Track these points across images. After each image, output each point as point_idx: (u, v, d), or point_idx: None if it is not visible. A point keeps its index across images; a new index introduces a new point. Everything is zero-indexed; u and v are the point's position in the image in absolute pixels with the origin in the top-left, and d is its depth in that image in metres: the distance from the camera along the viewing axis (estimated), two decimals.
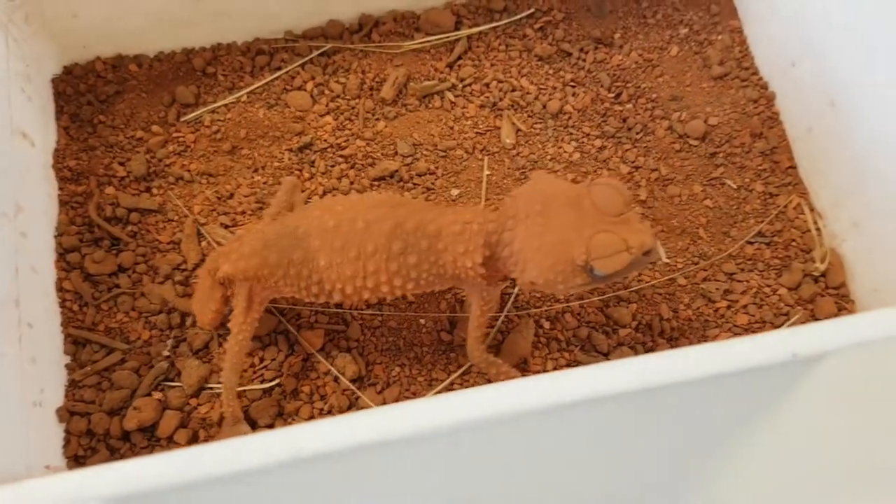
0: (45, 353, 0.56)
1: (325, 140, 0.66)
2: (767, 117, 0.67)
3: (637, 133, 0.66)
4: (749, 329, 0.59)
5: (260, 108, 0.68)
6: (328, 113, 0.67)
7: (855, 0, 0.58)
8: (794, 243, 0.62)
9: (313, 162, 0.65)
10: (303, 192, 0.64)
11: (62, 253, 0.62)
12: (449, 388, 0.57)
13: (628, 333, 0.59)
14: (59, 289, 0.61)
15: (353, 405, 0.57)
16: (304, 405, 0.57)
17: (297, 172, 0.65)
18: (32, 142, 0.62)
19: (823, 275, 0.61)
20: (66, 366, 0.59)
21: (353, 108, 0.67)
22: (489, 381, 0.55)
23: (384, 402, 0.57)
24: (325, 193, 0.64)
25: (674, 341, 0.58)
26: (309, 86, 0.68)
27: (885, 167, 0.56)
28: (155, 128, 0.68)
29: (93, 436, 0.56)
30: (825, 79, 0.62)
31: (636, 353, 0.58)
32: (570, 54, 0.69)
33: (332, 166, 0.65)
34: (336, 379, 0.58)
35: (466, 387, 0.57)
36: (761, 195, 0.64)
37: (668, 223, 0.63)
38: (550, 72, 0.69)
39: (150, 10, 0.66)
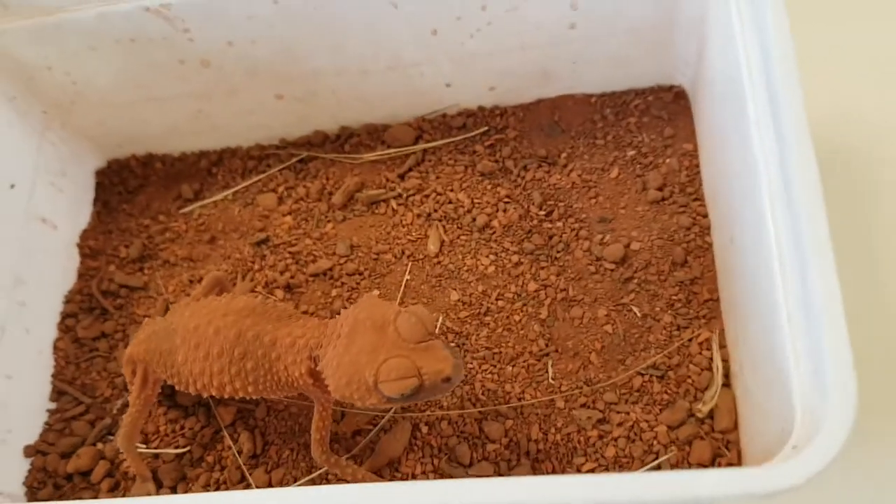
0: (22, 399, 0.69)
1: (280, 237, 0.75)
2: (697, 246, 0.66)
3: (557, 252, 0.68)
4: (615, 463, 0.58)
5: (237, 205, 0.79)
6: (289, 213, 0.76)
7: None
8: (688, 380, 0.60)
9: (264, 256, 0.74)
10: (252, 281, 0.73)
11: (64, 317, 0.76)
12: (322, 479, 0.62)
13: (496, 449, 0.60)
14: (55, 347, 0.74)
15: (244, 479, 0.64)
16: (203, 473, 0.65)
17: (249, 264, 0.74)
18: (54, 226, 0.77)
19: (711, 416, 0.58)
20: (48, 410, 0.72)
21: (310, 210, 0.76)
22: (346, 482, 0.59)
23: (269, 481, 0.63)
24: (267, 284, 0.72)
25: (537, 464, 0.59)
26: (280, 189, 0.78)
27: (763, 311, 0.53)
28: (161, 217, 0.81)
29: (46, 472, 0.68)
30: None
31: (497, 469, 0.59)
32: (510, 171, 0.73)
33: (280, 261, 0.73)
34: (239, 454, 0.65)
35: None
36: (668, 326, 0.63)
37: (562, 344, 0.64)
38: (489, 187, 0.73)
39: (164, 122, 0.80)
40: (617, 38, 0.68)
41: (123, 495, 0.65)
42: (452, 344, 0.65)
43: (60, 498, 0.67)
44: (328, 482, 0.61)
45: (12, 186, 0.73)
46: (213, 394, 0.58)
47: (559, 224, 0.70)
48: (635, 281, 0.65)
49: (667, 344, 0.62)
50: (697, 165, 0.69)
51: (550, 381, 0.62)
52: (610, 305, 0.65)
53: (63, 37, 0.69)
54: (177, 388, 0.60)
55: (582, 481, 0.38)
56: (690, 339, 0.62)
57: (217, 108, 0.77)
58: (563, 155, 0.73)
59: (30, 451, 0.69)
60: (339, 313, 0.55)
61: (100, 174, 0.85)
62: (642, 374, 0.61)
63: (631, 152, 0.71)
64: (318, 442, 0.58)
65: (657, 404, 0.60)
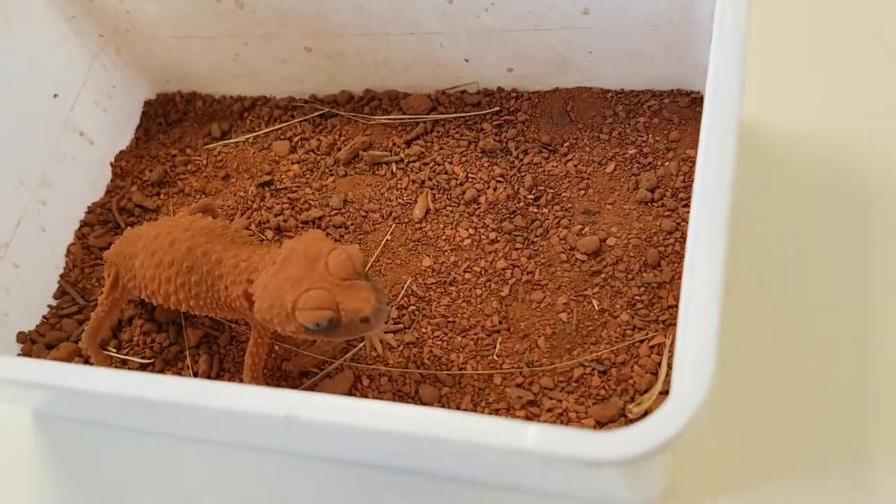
0: (26, 289, 0.75)
1: (284, 183, 0.78)
2: (674, 251, 0.63)
3: (535, 236, 0.67)
4: None
5: (255, 148, 0.82)
6: (298, 162, 0.79)
7: None
8: (630, 380, 0.58)
9: (264, 197, 0.77)
10: (249, 219, 0.76)
11: (82, 225, 0.82)
12: None
13: None
14: (68, 251, 0.80)
15: None
16: None
17: (250, 202, 0.77)
18: (91, 141, 0.83)
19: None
20: (49, 306, 0.78)
21: (317, 162, 0.78)
22: None
23: None
24: (260, 223, 0.75)
25: None
26: (296, 139, 0.81)
27: None
28: (188, 150, 0.86)
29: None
30: None
31: None
32: (510, 152, 0.73)
33: (277, 204, 0.76)
34: (195, 374, 0.68)
35: None
36: (623, 325, 0.61)
37: (515, 324, 0.63)
38: (486, 164, 0.73)
39: (207, 62, 0.84)
40: (632, 30, 0.67)
41: None
42: (388, 293, 0.65)
43: None
44: None
45: (55, 96, 0.79)
46: (160, 301, 0.61)
47: (544, 210, 0.69)
48: (602, 275, 0.64)
49: (618, 342, 0.60)
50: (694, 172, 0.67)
51: (495, 357, 0.62)
52: (571, 295, 0.64)
53: None
54: (133, 293, 0.64)
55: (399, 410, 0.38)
56: (643, 341, 0.60)
57: (253, 53, 0.81)
58: (566, 144, 0.72)
59: (22, 337, 0.75)
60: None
61: (147, 104, 0.91)
62: (584, 366, 0.60)
63: (632, 150, 0.70)
64: (250, 367, 0.60)
65: (592, 398, 0.58)
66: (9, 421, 0.71)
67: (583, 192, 0.69)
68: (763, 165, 0.67)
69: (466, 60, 0.76)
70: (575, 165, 0.70)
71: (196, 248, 0.58)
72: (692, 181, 0.67)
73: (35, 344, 0.74)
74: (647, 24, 0.66)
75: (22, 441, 0.69)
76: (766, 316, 0.60)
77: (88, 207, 0.83)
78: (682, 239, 0.64)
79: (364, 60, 0.79)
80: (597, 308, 0.62)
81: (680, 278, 0.62)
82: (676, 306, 0.61)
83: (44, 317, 0.77)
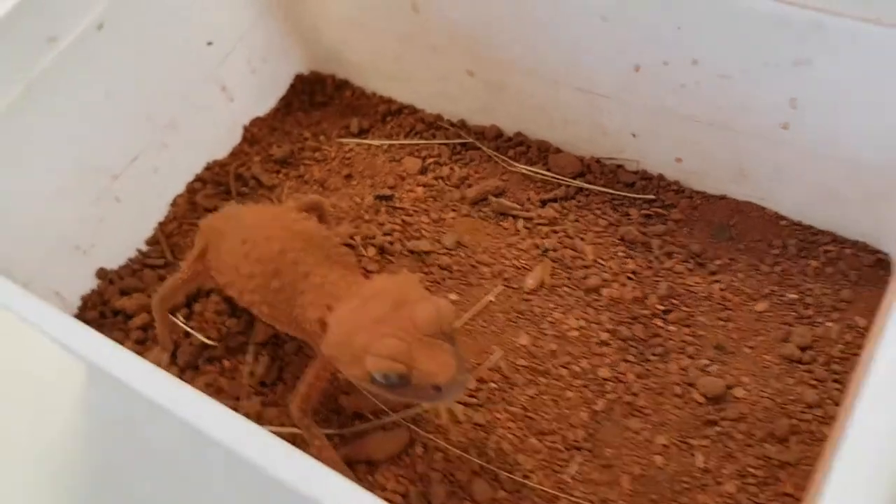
0: (120, 226, 0.73)
1: (403, 203, 0.72)
2: (808, 431, 0.54)
3: (652, 354, 0.59)
4: None
5: (385, 157, 0.77)
6: (424, 185, 0.74)
7: None
8: None
9: (379, 211, 0.72)
10: (356, 228, 0.71)
11: (197, 180, 0.79)
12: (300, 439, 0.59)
13: None
14: (174, 201, 0.78)
15: (239, 399, 0.62)
16: (213, 373, 0.64)
17: (363, 212, 0.72)
18: (231, 98, 0.81)
19: None
20: (138, 250, 0.75)
21: (443, 192, 0.73)
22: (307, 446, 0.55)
23: (258, 414, 0.61)
24: (366, 237, 0.70)
25: None
26: (429, 160, 0.76)
27: None
28: (321, 136, 0.82)
29: (102, 299, 0.71)
30: None
31: None
32: (651, 250, 0.65)
33: (389, 222, 0.71)
34: (251, 374, 0.64)
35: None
36: (725, 496, 0.52)
37: (601, 448, 0.55)
38: (620, 254, 0.65)
39: (367, 53, 0.80)
40: (831, 161, 0.58)
41: (140, 354, 0.66)
42: (472, 362, 0.59)
43: (100, 327, 0.69)
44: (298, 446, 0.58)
45: (209, 44, 0.76)
46: (232, 293, 0.56)
47: (671, 328, 0.60)
48: (717, 428, 0.55)
49: None
50: (860, 347, 0.57)
51: (567, 478, 0.54)
52: (674, 437, 0.55)
53: None
54: (211, 273, 0.59)
55: None
56: None
57: (415, 60, 0.77)
58: (717, 262, 0.63)
59: (101, 273, 0.72)
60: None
61: (298, 78, 0.87)
62: None
63: (792, 295, 0.60)
64: (302, 396, 0.54)
65: None
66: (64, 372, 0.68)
67: (722, 323, 0.60)
68: None
69: (633, 135, 0.68)
70: (721, 289, 0.61)
71: (288, 253, 0.53)
72: (853, 354, 0.57)
73: (112, 284, 0.71)
74: (849, 160, 0.57)
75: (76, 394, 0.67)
76: None
77: (207, 164, 0.80)
78: (825, 420, 0.54)
79: (523, 101, 0.72)
80: (700, 465, 0.53)
81: (808, 465, 0.52)
82: (793, 498, 0.51)
83: (129, 259, 0.74)
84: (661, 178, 0.70)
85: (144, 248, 0.75)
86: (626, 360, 0.59)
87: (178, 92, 0.75)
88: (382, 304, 0.46)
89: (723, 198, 0.67)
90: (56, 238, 0.68)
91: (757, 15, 0.53)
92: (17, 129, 0.62)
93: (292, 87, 0.87)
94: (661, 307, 0.61)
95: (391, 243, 0.70)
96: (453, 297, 0.65)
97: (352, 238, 0.71)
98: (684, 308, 0.61)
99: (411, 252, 0.69)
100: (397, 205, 0.72)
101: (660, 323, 0.61)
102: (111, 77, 0.68)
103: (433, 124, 0.79)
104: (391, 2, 0.72)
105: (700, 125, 0.62)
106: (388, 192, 0.73)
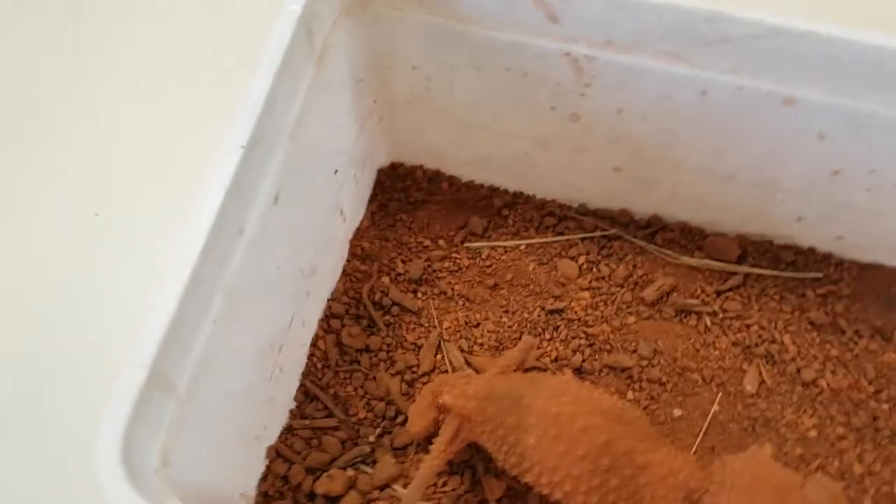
0: (281, 396, 0.65)
1: (576, 312, 0.70)
2: None
3: (884, 438, 0.63)
4: None
5: (532, 261, 0.74)
6: (588, 289, 0.72)
7: None
8: None
9: (557, 327, 0.69)
10: (538, 349, 0.68)
11: (328, 316, 0.71)
12: None
13: None
14: (313, 344, 0.70)
15: None
16: None
17: (539, 330, 0.69)
18: (345, 218, 0.73)
19: None
20: (290, 411, 0.67)
21: (612, 294, 0.71)
22: None
23: None
24: (556, 359, 0.68)
25: None
26: (581, 259, 0.74)
27: None
28: (441, 242, 0.76)
29: (286, 482, 0.63)
30: None
31: None
32: (843, 332, 0.68)
33: (573, 338, 0.69)
34: None
35: None
36: None
37: None
38: (817, 340, 0.68)
39: (480, 151, 0.75)
40: None
41: None
42: None
43: None
44: None
45: (336, 172, 0.68)
46: (557, 496, 0.53)
47: (885, 406, 0.65)
48: None
49: None
50: None
51: None
52: None
53: (458, 47, 0.64)
54: (501, 466, 0.55)
55: None
56: None
57: (547, 159, 0.73)
58: None
59: (271, 452, 0.64)
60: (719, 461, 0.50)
61: (381, 173, 0.81)
62: None
63: None
64: None
65: None
66: None
67: None
68: None
69: (799, 219, 0.70)
70: None
71: (616, 444, 0.51)
72: None
73: (292, 465, 0.63)
74: None
75: None
76: None
77: (331, 294, 0.72)
78: None
79: (675, 190, 0.72)
80: None
81: None
82: None
83: (288, 426, 0.66)
84: (811, 250, 0.73)
85: (293, 406, 0.67)
86: (867, 451, 0.63)
87: (316, 234, 0.67)
88: (767, 496, 0.46)
89: (878, 266, 0.72)
90: (236, 434, 0.59)
91: None
92: (217, 339, 0.53)
93: (377, 183, 0.80)
94: (873, 388, 0.65)
95: (584, 361, 0.68)
96: (677, 412, 0.65)
97: (538, 360, 0.68)
98: (892, 385, 0.66)
99: (610, 368, 0.67)
100: (571, 316, 0.70)
101: (875, 405, 0.65)
102: (281, 246, 0.59)
103: (559, 214, 0.77)
104: (545, 113, 0.67)
105: (878, 213, 0.66)
106: (557, 304, 0.71)
